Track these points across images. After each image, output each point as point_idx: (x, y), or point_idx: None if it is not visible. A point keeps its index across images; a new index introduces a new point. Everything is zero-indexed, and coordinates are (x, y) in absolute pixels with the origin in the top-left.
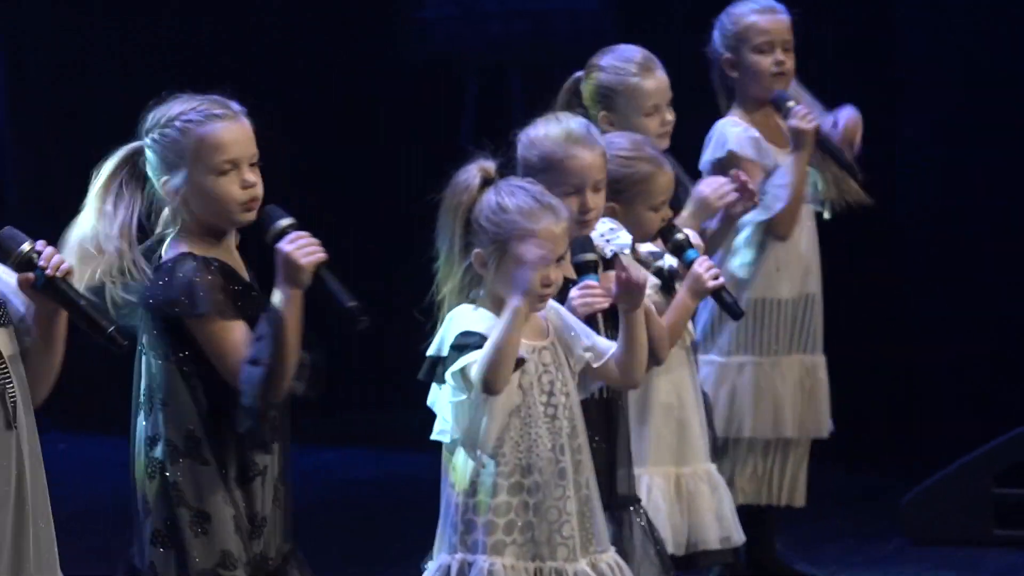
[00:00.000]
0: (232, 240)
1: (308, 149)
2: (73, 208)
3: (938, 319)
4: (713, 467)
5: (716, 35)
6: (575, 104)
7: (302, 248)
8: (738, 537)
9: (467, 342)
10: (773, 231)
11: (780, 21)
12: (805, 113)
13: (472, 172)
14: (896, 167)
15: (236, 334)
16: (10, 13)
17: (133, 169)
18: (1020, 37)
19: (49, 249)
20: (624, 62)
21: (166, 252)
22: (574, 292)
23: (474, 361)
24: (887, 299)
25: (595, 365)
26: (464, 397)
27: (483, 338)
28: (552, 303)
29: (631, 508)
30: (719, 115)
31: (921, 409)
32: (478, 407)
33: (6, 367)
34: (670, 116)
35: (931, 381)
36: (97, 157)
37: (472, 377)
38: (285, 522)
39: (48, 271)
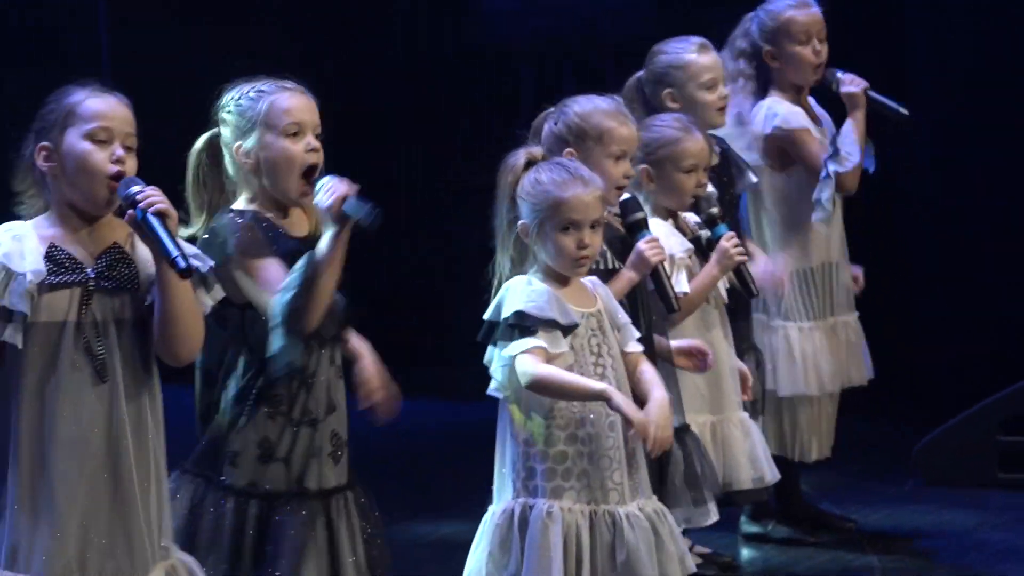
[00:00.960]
0: (298, 214)
1: (383, 125)
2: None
3: (945, 298)
4: (746, 415)
5: (755, 29)
6: (638, 100)
7: (327, 189)
8: (771, 476)
9: (522, 323)
10: (842, 184)
11: (815, 15)
12: (852, 78)
13: (519, 155)
14: (900, 165)
15: (269, 270)
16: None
17: (212, 152)
18: (1022, 38)
19: (151, 189)
20: (683, 43)
21: None
22: (642, 245)
23: (521, 351)
24: (897, 270)
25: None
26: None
27: (536, 321)
28: (600, 284)
29: (684, 436)
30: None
31: (934, 366)
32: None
33: (98, 328)
34: (725, 91)
35: (943, 341)
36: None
37: (519, 372)
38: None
39: (141, 205)
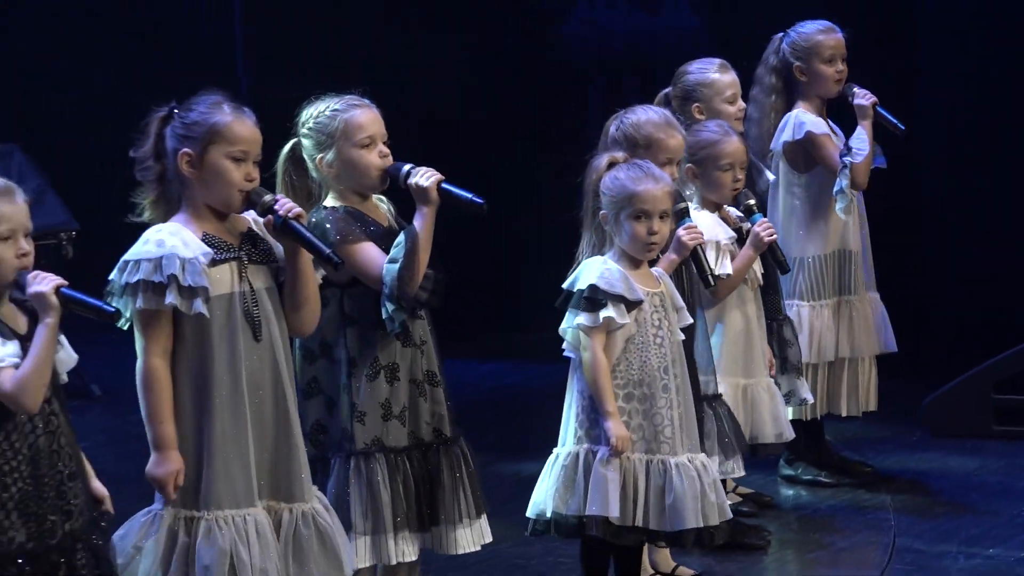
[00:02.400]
0: (373, 201)
1: (476, 130)
2: None
3: (950, 276)
4: (771, 380)
5: (786, 48)
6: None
7: (422, 175)
8: (789, 434)
9: (595, 296)
10: (854, 177)
11: (839, 38)
12: (865, 93)
13: (603, 157)
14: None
15: (368, 251)
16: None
17: (297, 159)
18: None
19: (282, 197)
20: (707, 64)
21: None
22: (681, 231)
23: (596, 320)
24: (910, 249)
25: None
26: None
27: (607, 295)
28: (664, 274)
29: (715, 403)
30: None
31: (940, 331)
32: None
33: (255, 295)
34: (743, 104)
35: (947, 312)
36: None
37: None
38: (433, 415)
39: (281, 212)
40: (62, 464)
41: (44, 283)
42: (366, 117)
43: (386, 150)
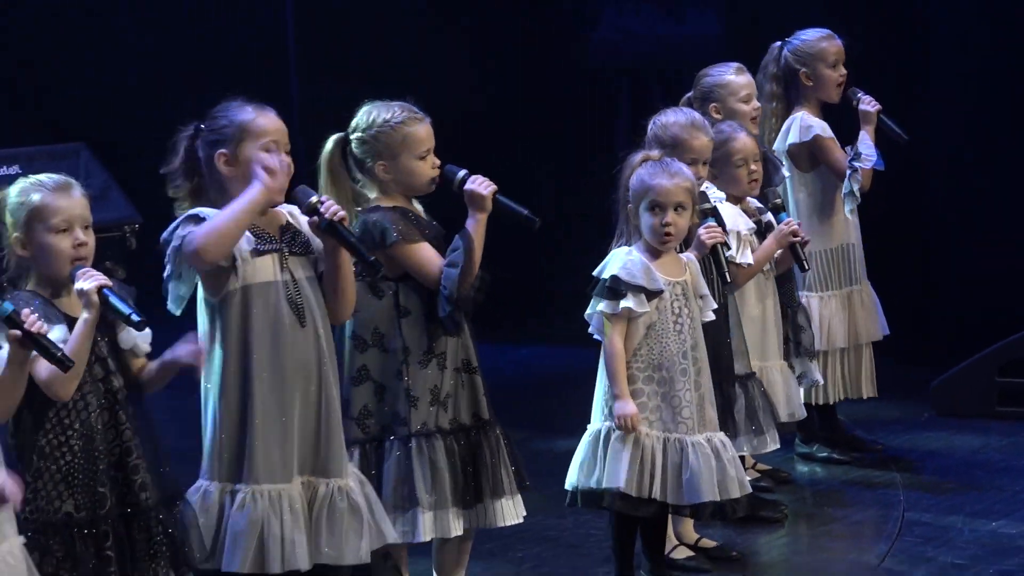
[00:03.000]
0: (413, 201)
1: (513, 129)
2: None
3: (957, 265)
4: (785, 363)
5: (788, 55)
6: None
7: (479, 184)
8: (800, 413)
9: (616, 286)
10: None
11: (840, 45)
12: (870, 100)
13: (637, 155)
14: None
15: (425, 251)
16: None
17: (342, 154)
18: None
19: (330, 200)
20: (724, 67)
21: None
22: (701, 230)
23: (616, 308)
24: (918, 242)
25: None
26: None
27: (627, 286)
28: (693, 261)
29: (748, 381)
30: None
31: (947, 319)
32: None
33: (298, 284)
34: (758, 104)
35: (954, 300)
36: None
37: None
38: (472, 399)
39: (327, 215)
40: (121, 439)
41: (89, 281)
42: (424, 131)
43: (437, 161)
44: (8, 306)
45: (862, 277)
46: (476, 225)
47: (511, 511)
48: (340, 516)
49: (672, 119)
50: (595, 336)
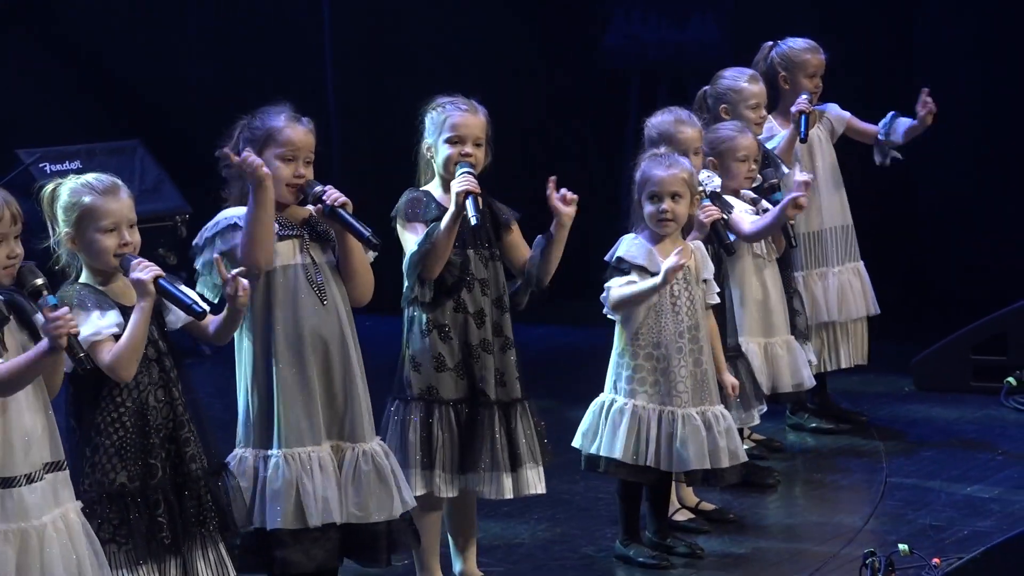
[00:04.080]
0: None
1: (528, 129)
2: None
3: (937, 252)
4: (791, 337)
5: (775, 56)
6: (704, 108)
7: (460, 183)
8: (808, 383)
9: (620, 266)
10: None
11: (822, 59)
12: (802, 100)
13: (647, 153)
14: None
15: (410, 232)
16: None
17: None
18: None
19: (332, 189)
20: (740, 73)
21: None
22: (698, 212)
23: (611, 283)
24: (905, 225)
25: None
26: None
27: (630, 265)
28: (701, 247)
29: (737, 360)
30: None
31: (928, 299)
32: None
33: (318, 266)
34: (764, 113)
35: (933, 283)
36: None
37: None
38: (483, 376)
39: (328, 202)
40: (174, 414)
41: (145, 272)
42: (462, 119)
43: (469, 149)
44: (52, 299)
45: (855, 256)
46: (448, 216)
47: (488, 487)
48: (366, 477)
49: (659, 119)
50: (609, 315)
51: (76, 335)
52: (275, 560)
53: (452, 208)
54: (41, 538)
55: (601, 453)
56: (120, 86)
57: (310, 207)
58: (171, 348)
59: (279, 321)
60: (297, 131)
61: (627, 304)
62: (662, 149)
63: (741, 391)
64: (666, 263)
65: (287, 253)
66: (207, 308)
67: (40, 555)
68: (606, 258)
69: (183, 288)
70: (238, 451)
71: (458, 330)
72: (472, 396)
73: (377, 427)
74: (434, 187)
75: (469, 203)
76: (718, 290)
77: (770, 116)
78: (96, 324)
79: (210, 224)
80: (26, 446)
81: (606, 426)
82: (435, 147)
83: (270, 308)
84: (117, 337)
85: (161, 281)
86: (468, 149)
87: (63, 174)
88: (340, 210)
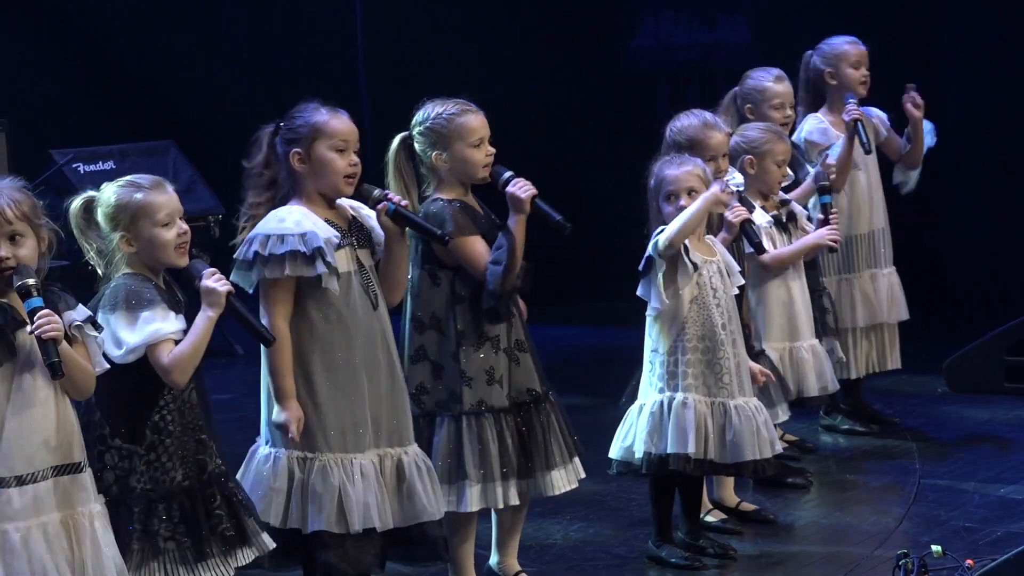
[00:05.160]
0: (472, 197)
1: (553, 131)
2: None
3: (970, 252)
4: (816, 341)
5: (816, 59)
6: (733, 110)
7: (520, 187)
8: (833, 387)
9: (657, 255)
10: (834, 185)
11: (863, 49)
12: (852, 109)
13: (662, 159)
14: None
15: (477, 245)
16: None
17: (407, 150)
18: None
19: (392, 192)
20: (766, 73)
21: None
22: (727, 213)
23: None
24: (937, 230)
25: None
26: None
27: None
28: (717, 242)
29: (759, 358)
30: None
31: (962, 302)
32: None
33: (367, 272)
34: (791, 112)
35: (966, 286)
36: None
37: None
38: (525, 377)
39: (394, 202)
40: (200, 415)
41: (220, 284)
42: (477, 121)
43: (491, 149)
44: (36, 301)
45: (886, 262)
46: (517, 225)
47: (562, 480)
48: (412, 480)
49: (686, 122)
50: (651, 306)
51: (57, 340)
52: (316, 561)
53: (519, 214)
54: (26, 540)
55: (670, 450)
56: (154, 87)
57: (349, 204)
58: None
59: (336, 328)
60: (342, 120)
61: (682, 234)
62: (675, 154)
63: (765, 389)
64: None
65: (343, 260)
66: (274, 338)
67: (26, 557)
68: (640, 267)
69: (252, 313)
70: (268, 449)
71: (505, 338)
72: (521, 400)
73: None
74: (457, 195)
75: (545, 207)
76: (741, 282)
77: (818, 114)
78: (173, 323)
79: (260, 233)
80: (26, 447)
81: (671, 423)
82: (454, 155)
83: (327, 315)
84: (176, 342)
85: (233, 298)
86: (490, 148)
87: (96, 174)
88: (405, 211)
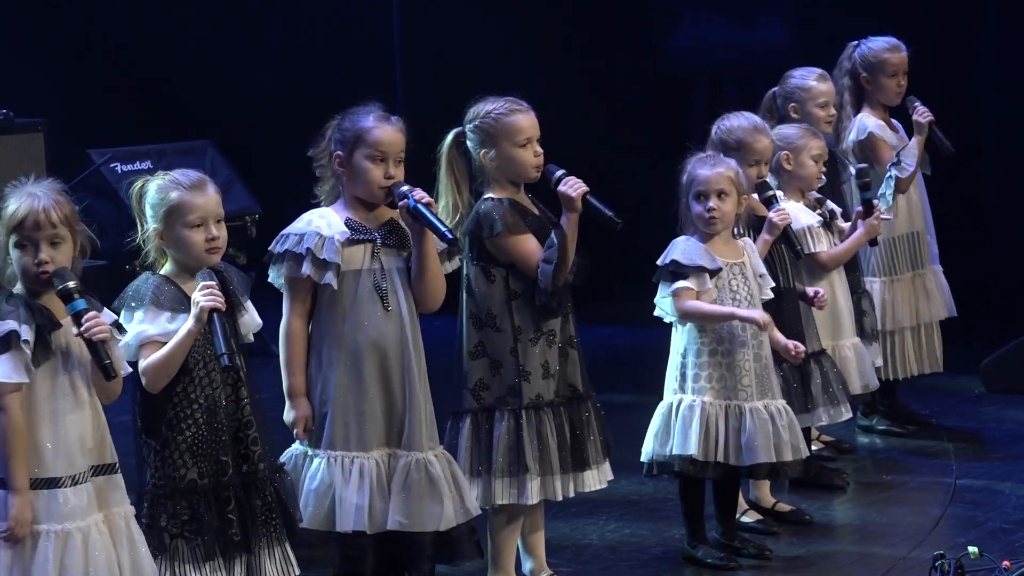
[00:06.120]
0: (523, 196)
1: (592, 130)
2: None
3: (1010, 253)
4: (857, 340)
5: (856, 59)
6: (772, 110)
7: (571, 185)
8: (874, 384)
9: (677, 269)
10: (900, 186)
11: (904, 56)
12: (924, 111)
13: (694, 158)
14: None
15: (528, 243)
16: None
17: (458, 146)
18: None
19: (418, 189)
20: (808, 72)
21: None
22: (771, 214)
23: (676, 287)
24: (976, 229)
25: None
26: (672, 316)
27: (687, 268)
28: (750, 244)
29: (821, 357)
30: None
31: (1000, 303)
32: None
33: (386, 272)
34: (833, 111)
35: (1004, 285)
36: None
37: (674, 307)
38: (572, 372)
39: (415, 197)
40: (241, 414)
41: (206, 299)
42: (525, 121)
43: (540, 150)
44: (80, 303)
45: (927, 262)
46: (569, 223)
47: (594, 479)
48: (416, 486)
49: (736, 123)
50: (665, 318)
51: (105, 342)
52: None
53: (570, 213)
54: (86, 539)
55: (674, 452)
56: (192, 87)
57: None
58: (241, 348)
59: (342, 325)
60: (386, 131)
61: (698, 319)
62: (710, 153)
63: (829, 388)
64: (756, 315)
65: (355, 258)
66: (238, 364)
67: (84, 556)
68: (659, 261)
69: (224, 333)
70: (291, 450)
71: (560, 333)
72: (567, 395)
73: (447, 436)
74: (508, 193)
75: (597, 203)
76: (772, 284)
77: (863, 115)
78: (163, 326)
79: (295, 230)
80: (73, 448)
81: (676, 425)
82: (502, 154)
83: (334, 311)
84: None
85: (214, 316)
86: (539, 148)
87: (134, 174)
88: (423, 208)
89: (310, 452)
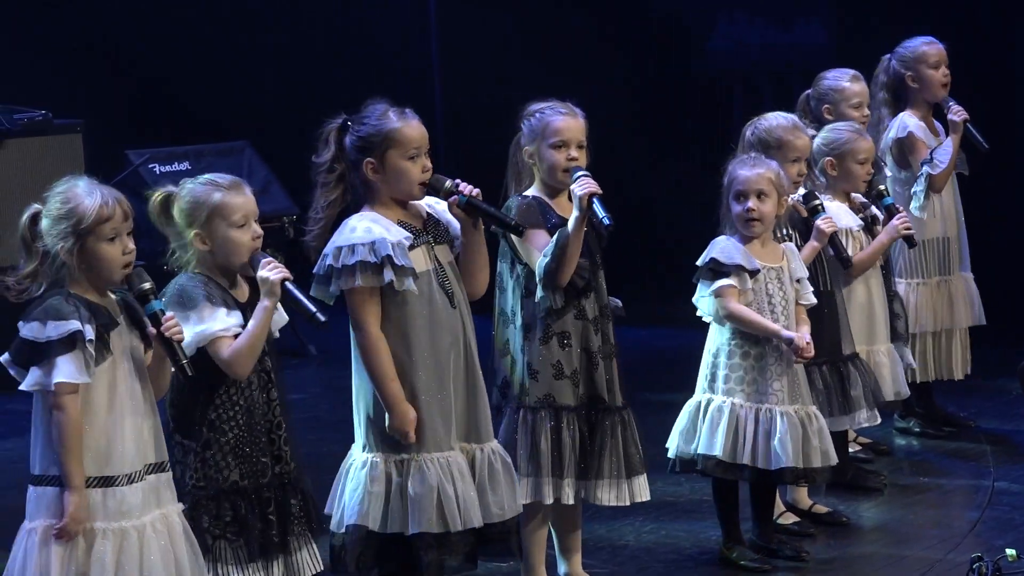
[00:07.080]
0: (564, 199)
1: (632, 133)
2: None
3: None
4: (891, 346)
5: (895, 63)
6: (807, 112)
7: (581, 185)
8: (905, 392)
9: (717, 268)
10: (933, 184)
11: (941, 48)
12: (959, 110)
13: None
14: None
15: (537, 239)
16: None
17: (518, 144)
18: None
19: (463, 182)
20: (841, 73)
21: None
22: (820, 222)
23: (720, 285)
24: (1010, 229)
25: (799, 300)
26: (710, 315)
27: (727, 266)
28: (792, 249)
29: (857, 360)
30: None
31: None
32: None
33: (445, 270)
34: (867, 112)
35: None
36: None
37: (719, 305)
38: (599, 382)
39: (465, 193)
40: (272, 414)
41: (274, 272)
42: (562, 123)
43: (575, 154)
44: (158, 304)
45: (956, 268)
46: (573, 221)
47: (607, 494)
48: (498, 475)
49: (775, 123)
50: (704, 318)
51: (180, 342)
52: (421, 563)
53: (576, 212)
54: (141, 538)
55: (700, 451)
56: (229, 87)
57: (424, 204)
58: (272, 348)
59: (417, 329)
60: (412, 127)
61: (742, 324)
62: (752, 155)
63: (867, 392)
64: (798, 337)
65: (419, 260)
66: (326, 319)
67: (140, 555)
68: (699, 262)
69: (305, 295)
70: (365, 455)
71: (578, 337)
72: (591, 403)
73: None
74: (538, 194)
75: (597, 205)
76: (811, 290)
77: (905, 114)
78: (224, 321)
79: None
80: (129, 446)
81: (704, 425)
82: (538, 153)
83: (408, 315)
84: (236, 335)
85: (288, 285)
86: (573, 153)
87: (172, 175)
88: (476, 200)
89: (404, 457)
